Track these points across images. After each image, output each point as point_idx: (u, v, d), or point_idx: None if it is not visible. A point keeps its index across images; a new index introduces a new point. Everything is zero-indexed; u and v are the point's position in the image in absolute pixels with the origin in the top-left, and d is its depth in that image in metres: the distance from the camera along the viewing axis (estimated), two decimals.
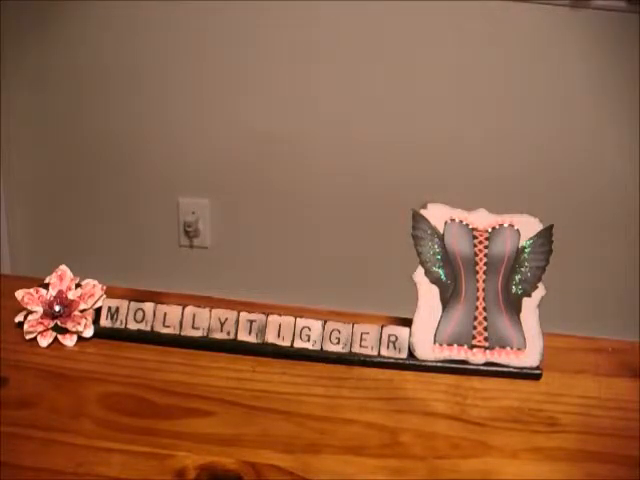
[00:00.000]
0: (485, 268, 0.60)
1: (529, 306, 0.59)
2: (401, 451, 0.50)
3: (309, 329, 0.60)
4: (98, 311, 0.61)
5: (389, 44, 1.44)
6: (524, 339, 0.59)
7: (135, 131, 1.55)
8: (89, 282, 0.63)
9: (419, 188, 1.45)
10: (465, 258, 0.60)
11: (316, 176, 1.53)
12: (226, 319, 0.60)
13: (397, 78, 1.46)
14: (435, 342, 0.59)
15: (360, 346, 0.59)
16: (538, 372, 0.59)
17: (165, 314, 0.60)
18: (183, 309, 0.60)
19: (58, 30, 1.50)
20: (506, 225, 0.60)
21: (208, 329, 0.60)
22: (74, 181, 1.62)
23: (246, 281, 1.59)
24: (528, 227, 0.60)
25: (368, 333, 0.59)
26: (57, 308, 0.60)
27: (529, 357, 0.59)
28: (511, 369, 0.59)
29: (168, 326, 0.60)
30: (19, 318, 0.61)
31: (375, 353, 0.59)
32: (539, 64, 1.42)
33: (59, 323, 0.60)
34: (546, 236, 0.60)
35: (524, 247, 0.60)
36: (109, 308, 0.61)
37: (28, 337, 0.60)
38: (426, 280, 0.60)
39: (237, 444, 0.50)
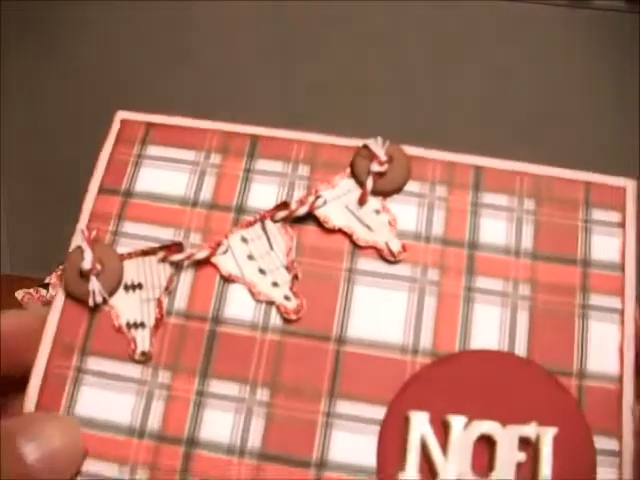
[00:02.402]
0: None
1: None
2: None
3: None
4: None
5: (388, 44, 1.44)
6: None
7: None
8: None
9: None
10: None
11: None
12: None
13: (396, 79, 1.46)
14: None
15: None
16: None
17: None
18: None
19: (57, 35, 1.50)
20: None
21: None
22: (74, 181, 1.62)
23: None
24: None
25: None
26: None
27: None
28: None
29: None
30: None
31: None
32: (539, 64, 1.42)
33: None
34: None
35: None
36: None
37: None
38: None
39: None
